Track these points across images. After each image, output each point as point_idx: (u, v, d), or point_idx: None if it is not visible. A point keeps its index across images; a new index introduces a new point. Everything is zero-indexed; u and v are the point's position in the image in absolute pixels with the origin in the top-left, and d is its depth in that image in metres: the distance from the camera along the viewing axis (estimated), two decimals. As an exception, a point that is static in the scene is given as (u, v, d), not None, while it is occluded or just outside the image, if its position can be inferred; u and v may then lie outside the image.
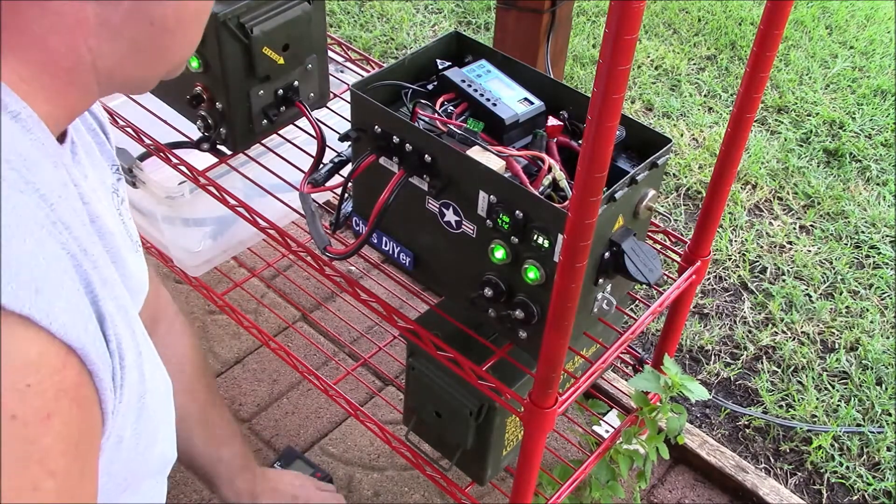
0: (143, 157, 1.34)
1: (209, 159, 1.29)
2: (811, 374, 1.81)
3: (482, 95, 1.02)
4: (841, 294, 1.98)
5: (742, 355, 1.85)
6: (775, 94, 2.60)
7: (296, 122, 1.31)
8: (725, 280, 2.02)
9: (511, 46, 1.58)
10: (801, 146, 2.41)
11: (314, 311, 1.86)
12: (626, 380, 1.60)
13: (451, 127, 0.99)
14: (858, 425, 1.71)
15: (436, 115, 1.01)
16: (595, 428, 1.60)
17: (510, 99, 1.02)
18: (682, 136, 2.41)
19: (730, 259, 2.07)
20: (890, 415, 1.73)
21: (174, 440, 0.79)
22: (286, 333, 1.82)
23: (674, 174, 2.29)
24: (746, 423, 1.72)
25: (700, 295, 1.98)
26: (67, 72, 0.57)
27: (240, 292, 1.74)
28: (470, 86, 1.03)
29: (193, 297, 1.86)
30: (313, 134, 1.23)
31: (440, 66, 1.09)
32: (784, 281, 2.01)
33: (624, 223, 0.98)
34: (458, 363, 1.05)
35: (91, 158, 0.73)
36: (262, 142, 1.31)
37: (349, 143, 1.08)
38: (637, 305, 1.75)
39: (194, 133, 1.28)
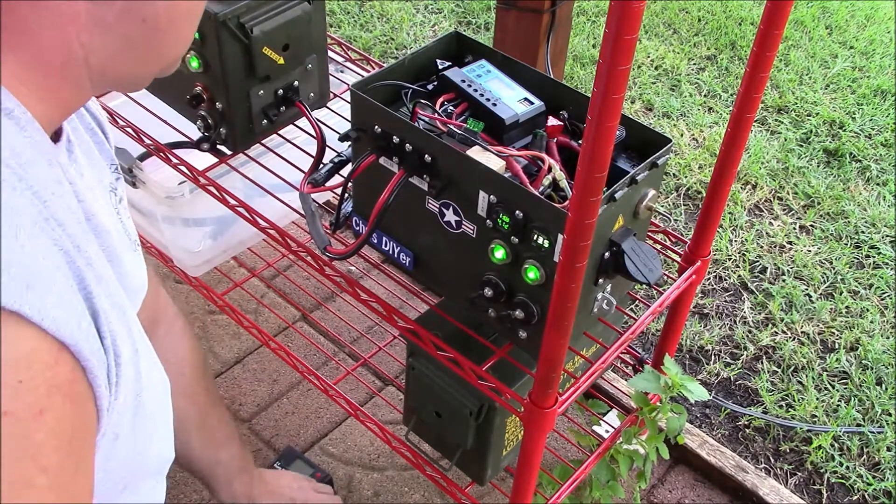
0: (143, 157, 1.34)
1: (209, 159, 1.29)
2: (811, 374, 1.81)
3: (482, 95, 1.02)
4: (841, 294, 1.98)
5: (742, 355, 1.85)
6: (775, 94, 2.60)
7: (296, 122, 1.31)
8: (725, 280, 2.02)
9: (511, 46, 1.58)
10: (801, 146, 2.41)
11: (314, 311, 1.86)
12: (626, 380, 1.59)
13: (451, 127, 0.98)
14: (858, 425, 1.71)
15: (436, 115, 1.01)
16: (595, 428, 1.60)
17: (510, 99, 1.02)
18: (682, 136, 2.41)
19: (730, 259, 2.07)
20: (890, 415, 1.73)
21: (172, 440, 0.79)
22: (286, 333, 1.82)
23: (674, 174, 2.29)
24: (746, 423, 1.72)
25: (700, 295, 1.98)
26: (60, 68, 0.57)
27: (240, 292, 1.74)
28: (470, 86, 1.03)
29: (193, 297, 1.86)
30: (313, 134, 1.23)
31: (440, 66, 1.09)
32: (784, 281, 2.01)
33: (624, 223, 0.98)
34: (458, 363, 1.05)
35: (89, 157, 0.73)
36: (262, 142, 1.31)
37: (349, 143, 1.08)
38: (637, 305, 1.75)
39: (194, 133, 1.28)
